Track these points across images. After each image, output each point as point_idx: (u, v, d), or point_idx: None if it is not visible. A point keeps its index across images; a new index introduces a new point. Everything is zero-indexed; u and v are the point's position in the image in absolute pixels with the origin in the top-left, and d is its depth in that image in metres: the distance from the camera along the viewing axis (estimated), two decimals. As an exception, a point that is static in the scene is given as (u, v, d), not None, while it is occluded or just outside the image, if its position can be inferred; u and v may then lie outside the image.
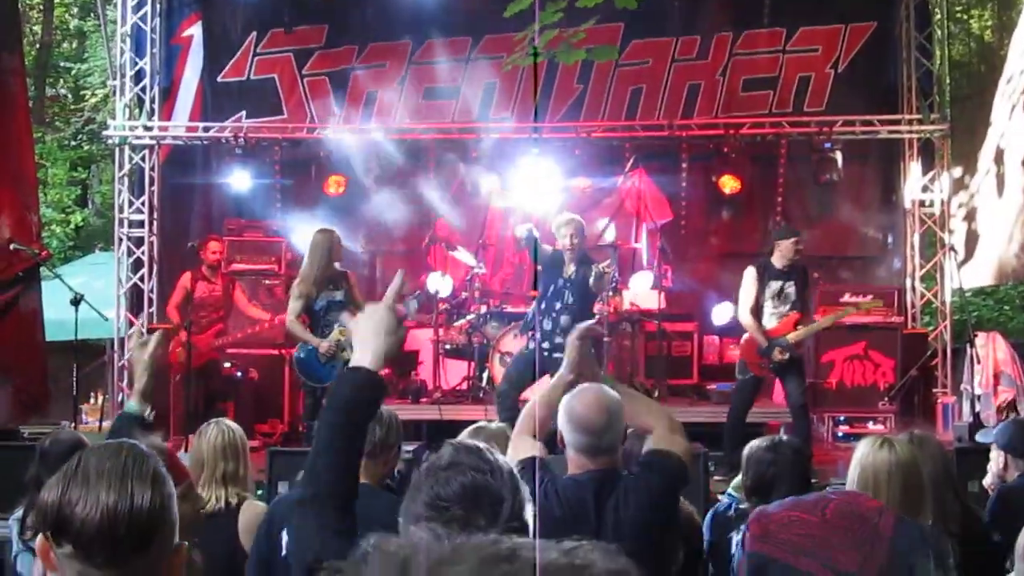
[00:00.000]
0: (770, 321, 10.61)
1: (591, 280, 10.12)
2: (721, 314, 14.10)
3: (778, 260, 10.60)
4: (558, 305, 10.35)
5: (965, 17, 15.46)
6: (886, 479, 4.27)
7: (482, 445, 2.87)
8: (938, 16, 15.50)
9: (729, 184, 14.70)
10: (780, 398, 13.08)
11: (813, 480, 5.76)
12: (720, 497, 6.77)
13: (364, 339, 3.06)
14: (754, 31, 15.12)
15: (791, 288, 10.57)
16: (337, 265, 10.75)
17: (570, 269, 10.36)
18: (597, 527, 4.12)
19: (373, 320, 3.07)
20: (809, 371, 12.09)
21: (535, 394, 4.83)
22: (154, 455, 2.58)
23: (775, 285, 10.58)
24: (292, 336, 11.04)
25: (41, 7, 26.78)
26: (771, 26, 15.02)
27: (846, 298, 12.84)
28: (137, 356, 4.68)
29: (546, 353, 10.06)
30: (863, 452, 4.43)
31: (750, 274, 10.70)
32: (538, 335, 10.44)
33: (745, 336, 10.83)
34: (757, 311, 10.65)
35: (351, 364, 3.02)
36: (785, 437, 5.79)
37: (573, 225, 10.42)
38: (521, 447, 4.41)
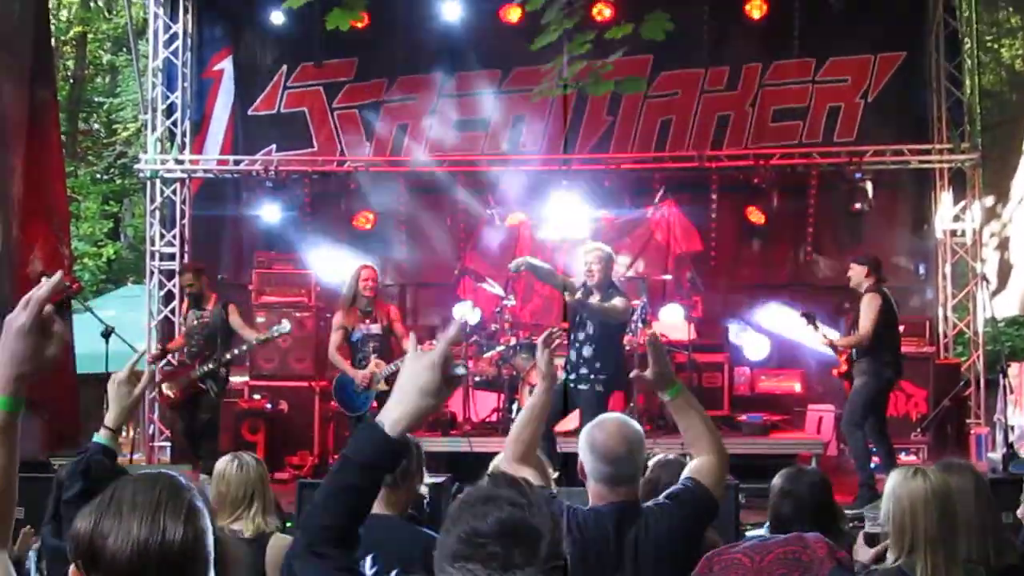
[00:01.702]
0: None
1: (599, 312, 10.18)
2: (757, 349, 14.07)
3: None
4: (581, 336, 10.36)
5: (995, 46, 15.40)
6: (923, 509, 4.22)
7: (521, 476, 2.79)
8: (968, 45, 15.45)
9: (759, 215, 14.68)
10: (812, 429, 13.06)
11: (848, 510, 5.71)
12: (748, 531, 6.73)
13: (400, 394, 2.79)
14: (783, 62, 15.07)
15: (855, 313, 10.77)
16: (366, 296, 11.35)
17: (594, 299, 10.33)
18: (618, 559, 4.09)
19: (415, 373, 2.78)
20: (839, 402, 12.12)
21: (519, 420, 4.78)
22: (192, 488, 2.56)
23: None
24: (335, 365, 11.59)
25: (74, 43, 27.03)
26: (800, 56, 14.95)
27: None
28: (120, 391, 4.67)
29: (571, 384, 10.06)
30: (896, 483, 4.38)
31: None
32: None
33: None
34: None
35: (379, 416, 2.78)
36: (809, 468, 5.74)
37: (595, 254, 10.44)
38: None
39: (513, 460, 4.57)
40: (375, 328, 11.25)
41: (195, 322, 12.13)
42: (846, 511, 6.85)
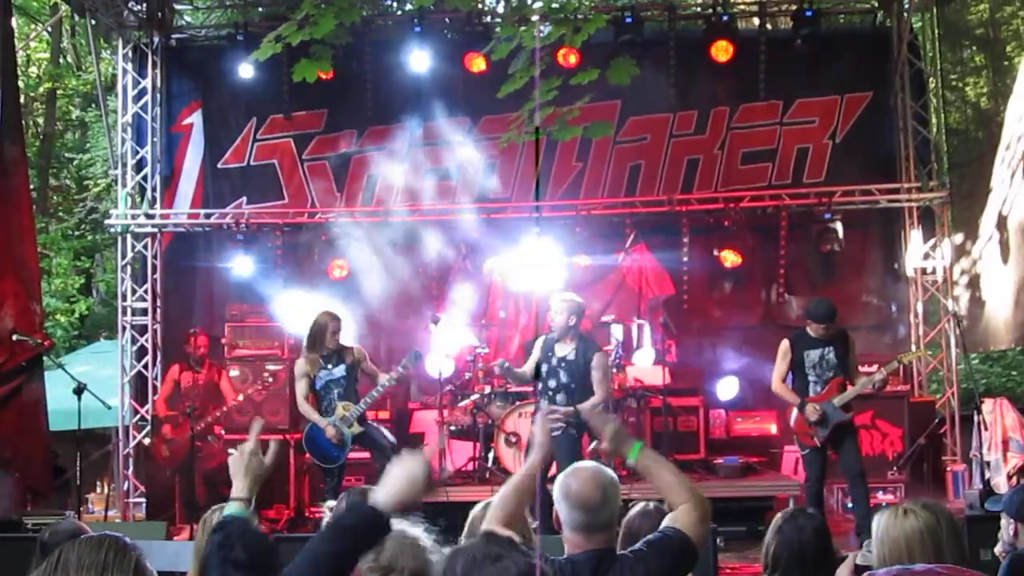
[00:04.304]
0: (814, 389, 10.55)
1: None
2: (726, 389, 14.06)
3: (812, 331, 10.60)
4: (553, 383, 10.47)
5: (960, 85, 15.50)
6: (919, 547, 4.21)
7: (507, 533, 2.82)
8: (933, 84, 15.59)
9: (730, 257, 14.74)
10: (788, 470, 13.03)
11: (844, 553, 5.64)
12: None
13: (389, 479, 3.20)
14: (751, 104, 15.18)
15: (831, 354, 10.53)
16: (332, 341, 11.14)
17: (566, 349, 10.57)
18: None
19: (407, 465, 3.23)
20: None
21: (507, 487, 4.73)
22: (137, 548, 2.57)
23: (814, 354, 10.57)
24: (305, 416, 11.20)
25: (44, 99, 26.98)
26: (767, 99, 15.07)
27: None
28: (253, 461, 4.49)
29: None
30: (888, 524, 4.36)
31: (782, 347, 10.75)
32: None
33: (794, 415, 10.73)
34: (803, 381, 10.64)
35: (369, 499, 3.14)
36: (811, 511, 5.66)
37: (566, 305, 10.56)
38: None
39: (496, 524, 4.53)
40: (337, 372, 11.12)
41: (190, 384, 12.37)
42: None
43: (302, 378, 11.06)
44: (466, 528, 5.73)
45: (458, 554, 2.94)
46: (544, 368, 10.60)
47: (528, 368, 10.99)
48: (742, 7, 16.61)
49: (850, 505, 12.21)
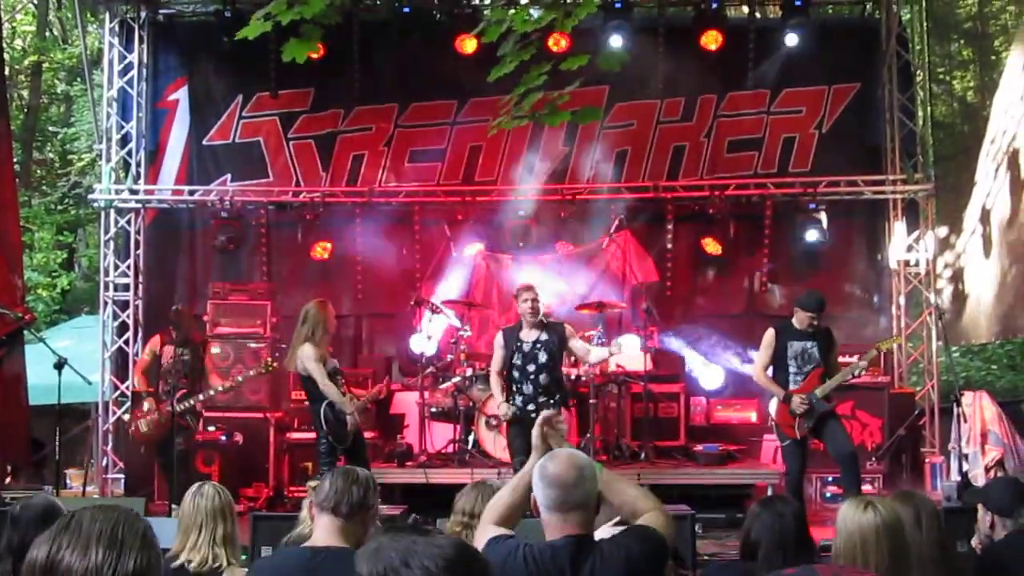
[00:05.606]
0: (795, 381, 10.47)
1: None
2: (713, 378, 14.07)
3: (798, 323, 10.55)
4: (532, 367, 10.61)
5: (947, 78, 15.53)
6: (874, 542, 4.20)
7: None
8: (920, 77, 15.61)
9: (714, 245, 14.74)
10: (768, 458, 13.05)
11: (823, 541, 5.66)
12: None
13: None
14: (738, 93, 15.18)
15: (814, 348, 10.45)
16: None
17: (535, 333, 10.77)
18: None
19: None
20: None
21: (506, 489, 4.74)
22: (145, 519, 2.60)
23: (797, 346, 10.49)
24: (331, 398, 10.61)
25: (29, 72, 26.84)
26: (755, 88, 15.07)
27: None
28: None
29: (532, 415, 10.06)
30: (847, 515, 4.36)
31: (767, 336, 10.68)
32: (519, 400, 10.63)
33: (773, 403, 10.69)
34: (783, 373, 10.56)
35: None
36: (789, 498, 5.68)
37: (534, 292, 10.88)
38: (487, 535, 4.39)
39: (490, 524, 4.52)
40: (335, 362, 11.08)
41: (173, 359, 12.11)
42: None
43: (319, 361, 10.64)
44: (453, 509, 5.74)
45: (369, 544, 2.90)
46: (518, 357, 10.74)
47: (498, 366, 11.00)
48: (732, -5, 16.61)
49: (828, 495, 12.30)
